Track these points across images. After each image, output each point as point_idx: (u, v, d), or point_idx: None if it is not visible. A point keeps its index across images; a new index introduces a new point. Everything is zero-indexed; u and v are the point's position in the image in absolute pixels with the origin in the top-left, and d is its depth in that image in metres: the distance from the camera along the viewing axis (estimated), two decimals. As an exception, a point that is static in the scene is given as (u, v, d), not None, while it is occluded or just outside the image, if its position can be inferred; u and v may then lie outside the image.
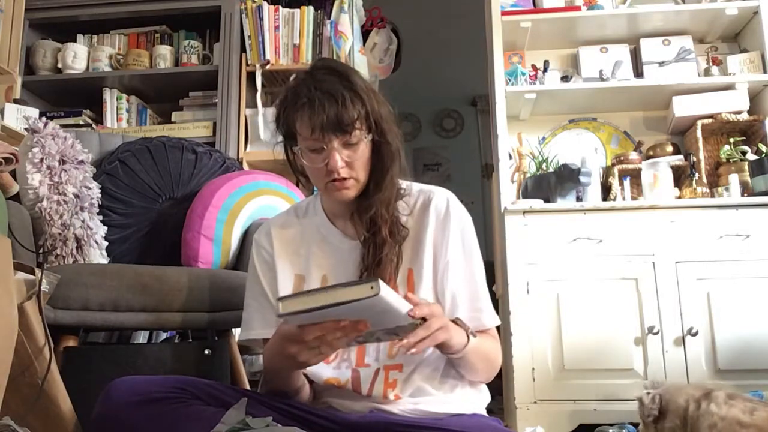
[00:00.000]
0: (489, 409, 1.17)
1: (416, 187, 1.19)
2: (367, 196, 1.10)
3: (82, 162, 1.79)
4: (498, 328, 1.16)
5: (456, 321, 1.04)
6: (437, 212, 1.14)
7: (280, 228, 1.20)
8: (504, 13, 2.67)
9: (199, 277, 1.57)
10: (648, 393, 1.47)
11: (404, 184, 1.18)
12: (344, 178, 1.06)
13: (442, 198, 1.16)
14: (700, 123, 2.55)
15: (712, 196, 2.44)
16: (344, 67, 1.11)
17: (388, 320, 0.91)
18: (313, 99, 1.03)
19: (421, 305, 0.93)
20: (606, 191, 2.65)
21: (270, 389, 1.08)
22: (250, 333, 1.15)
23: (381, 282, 0.82)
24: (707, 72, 2.63)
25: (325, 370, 1.10)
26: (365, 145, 1.07)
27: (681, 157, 2.61)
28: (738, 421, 1.30)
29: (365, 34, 3.12)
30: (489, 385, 1.17)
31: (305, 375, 1.11)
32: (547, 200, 2.45)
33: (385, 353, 1.09)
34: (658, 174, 2.44)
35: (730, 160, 2.52)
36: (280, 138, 1.14)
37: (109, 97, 2.82)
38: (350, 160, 1.06)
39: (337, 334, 0.88)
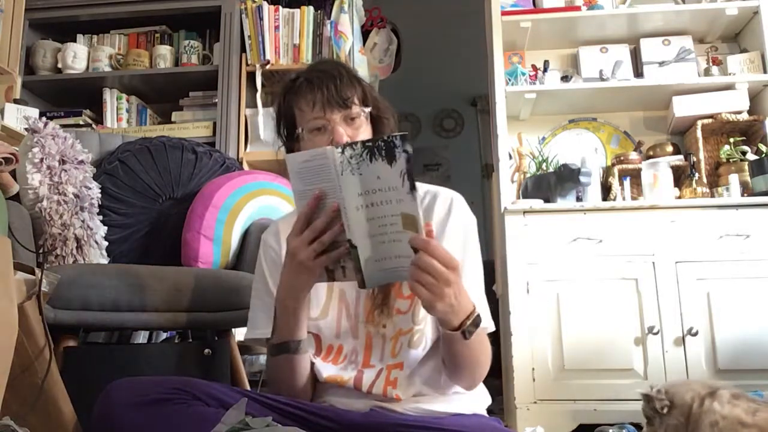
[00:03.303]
0: (489, 410, 1.17)
1: (423, 186, 1.20)
2: None
3: (82, 162, 1.79)
4: (497, 332, 1.15)
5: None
6: (440, 209, 1.15)
7: (288, 224, 1.20)
8: (504, 13, 2.67)
9: (200, 277, 1.57)
10: (652, 388, 1.46)
11: None
12: None
13: (446, 197, 1.17)
14: (700, 123, 2.55)
15: (712, 196, 2.44)
16: (337, 60, 1.14)
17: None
18: (311, 78, 1.10)
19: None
20: (606, 191, 2.64)
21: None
22: (255, 332, 1.16)
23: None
24: (707, 72, 2.63)
25: (329, 368, 1.10)
26: (365, 123, 1.11)
27: (681, 157, 2.61)
28: (740, 421, 1.29)
29: (365, 34, 3.12)
30: (489, 385, 1.17)
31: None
32: (547, 200, 2.45)
33: (388, 353, 1.09)
34: (658, 174, 2.44)
35: (730, 160, 2.52)
36: (282, 137, 1.16)
37: (109, 97, 2.82)
38: (353, 137, 1.08)
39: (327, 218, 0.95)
